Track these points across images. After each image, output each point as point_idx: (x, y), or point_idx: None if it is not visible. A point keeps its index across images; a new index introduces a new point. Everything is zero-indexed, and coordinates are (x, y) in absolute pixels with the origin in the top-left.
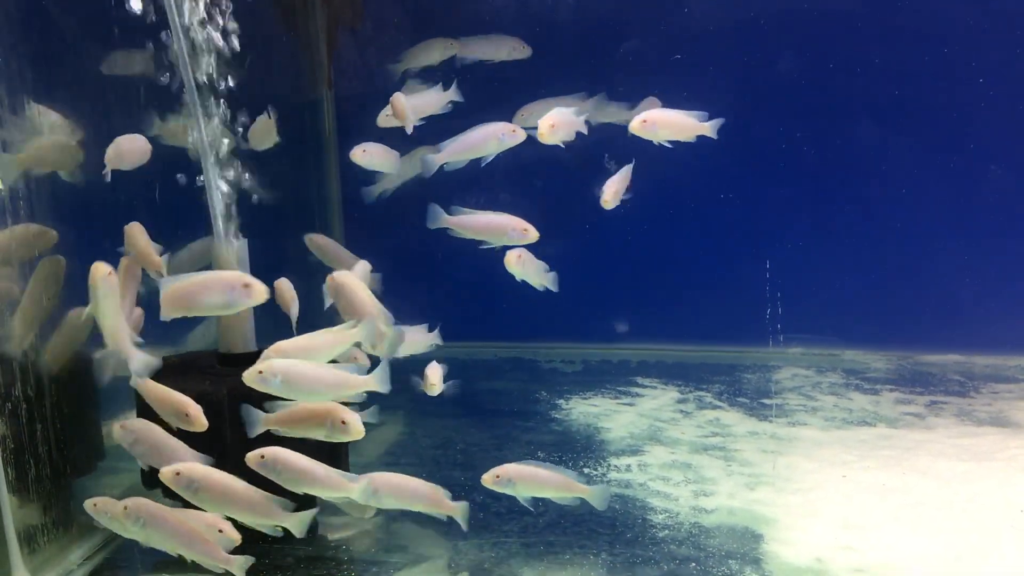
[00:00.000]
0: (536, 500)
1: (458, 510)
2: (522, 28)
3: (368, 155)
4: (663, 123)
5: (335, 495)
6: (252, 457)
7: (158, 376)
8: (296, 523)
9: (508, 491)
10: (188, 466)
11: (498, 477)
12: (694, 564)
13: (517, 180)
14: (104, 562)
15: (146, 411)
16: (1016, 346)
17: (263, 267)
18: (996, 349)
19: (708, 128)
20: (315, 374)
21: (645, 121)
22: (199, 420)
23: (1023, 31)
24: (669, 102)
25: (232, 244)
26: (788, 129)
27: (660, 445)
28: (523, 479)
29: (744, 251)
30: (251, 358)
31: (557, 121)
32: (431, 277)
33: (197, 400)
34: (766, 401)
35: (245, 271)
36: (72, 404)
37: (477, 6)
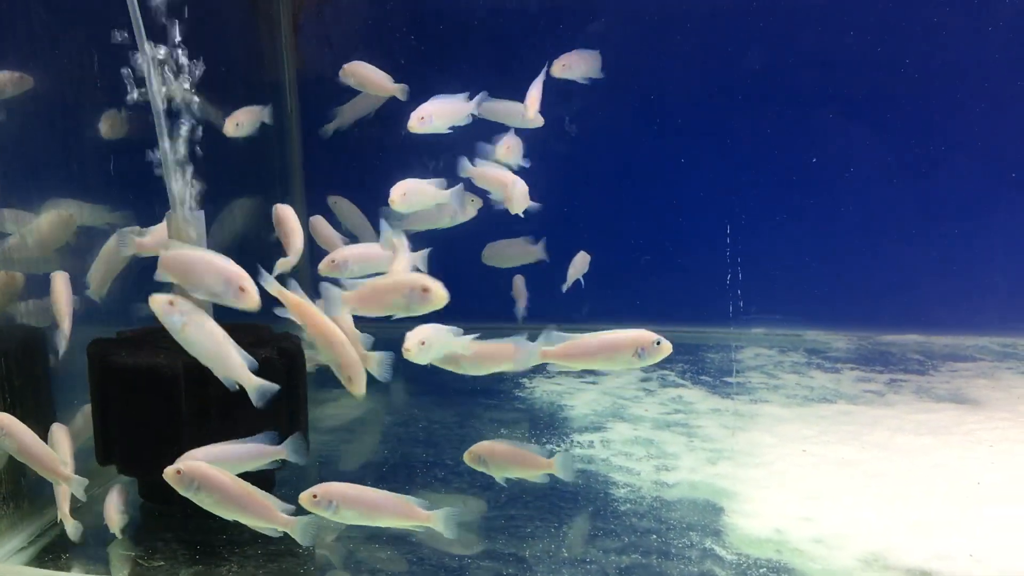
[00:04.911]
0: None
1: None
2: (481, 8)
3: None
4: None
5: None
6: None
7: (111, 351)
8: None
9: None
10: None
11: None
12: (655, 536)
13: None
14: (56, 539)
15: (100, 388)
16: (974, 326)
17: (222, 246)
18: (955, 329)
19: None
20: None
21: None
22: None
23: (986, 26)
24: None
25: (191, 216)
26: (752, 111)
27: (623, 422)
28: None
29: (708, 233)
30: None
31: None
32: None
33: (151, 373)
34: (729, 379)
35: (203, 244)
36: (24, 378)
37: None
